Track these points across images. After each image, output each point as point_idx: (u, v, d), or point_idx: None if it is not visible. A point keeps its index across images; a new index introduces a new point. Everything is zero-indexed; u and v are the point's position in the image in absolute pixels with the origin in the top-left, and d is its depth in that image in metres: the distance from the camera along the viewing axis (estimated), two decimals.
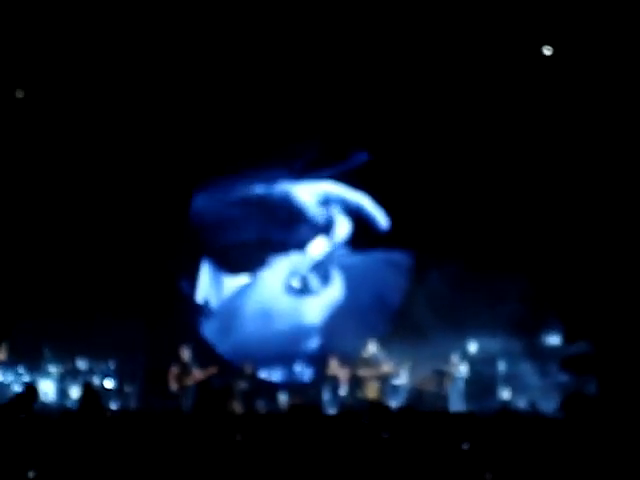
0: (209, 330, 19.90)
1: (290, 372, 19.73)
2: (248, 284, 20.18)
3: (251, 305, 20.03)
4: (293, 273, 20.03)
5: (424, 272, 19.14)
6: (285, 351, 19.84)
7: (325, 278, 20.11)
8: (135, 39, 17.62)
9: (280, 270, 20.14)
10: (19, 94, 17.95)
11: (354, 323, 19.92)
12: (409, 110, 19.00)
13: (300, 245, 20.17)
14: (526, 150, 18.33)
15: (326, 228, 20.11)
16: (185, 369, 17.07)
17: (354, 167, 19.68)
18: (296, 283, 20.04)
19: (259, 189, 20.05)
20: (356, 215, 20.07)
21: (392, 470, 9.12)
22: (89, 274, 18.52)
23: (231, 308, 20.13)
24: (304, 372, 19.96)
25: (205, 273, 20.11)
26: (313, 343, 20.03)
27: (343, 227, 20.26)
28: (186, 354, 17.21)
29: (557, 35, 17.29)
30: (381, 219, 20.03)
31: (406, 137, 19.14)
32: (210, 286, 20.14)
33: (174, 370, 16.98)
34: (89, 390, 15.30)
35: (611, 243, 17.32)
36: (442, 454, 9.53)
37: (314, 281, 20.14)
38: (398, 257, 20.16)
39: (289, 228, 20.05)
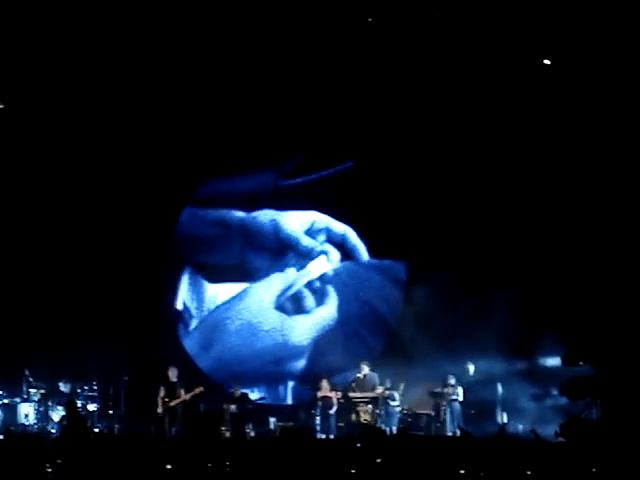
0: (190, 343, 19.44)
1: (273, 393, 19.31)
2: (236, 296, 19.74)
3: (237, 318, 19.54)
4: (287, 288, 19.71)
5: (416, 289, 18.76)
6: (267, 370, 19.32)
7: (321, 296, 19.83)
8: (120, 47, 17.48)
9: (273, 285, 19.80)
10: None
11: (343, 337, 19.62)
12: (402, 121, 18.80)
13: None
14: (523, 160, 18.18)
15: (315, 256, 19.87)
16: (171, 390, 16.63)
17: (339, 173, 19.63)
18: (290, 300, 19.72)
19: (243, 214, 19.83)
20: (340, 245, 19.91)
21: None
22: (71, 295, 18.19)
23: (215, 321, 19.60)
24: (287, 394, 19.58)
25: (185, 281, 19.72)
26: (298, 364, 19.53)
27: (335, 255, 19.99)
28: (173, 374, 16.76)
29: (555, 45, 17.17)
30: (363, 252, 19.90)
31: (399, 147, 18.97)
32: (190, 293, 19.71)
33: (162, 392, 16.54)
34: (72, 407, 15.03)
35: (611, 263, 17.14)
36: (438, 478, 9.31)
37: (309, 299, 19.84)
38: (389, 265, 19.89)
39: (275, 256, 19.77)
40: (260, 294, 19.60)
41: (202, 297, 19.71)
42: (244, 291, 19.65)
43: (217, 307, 19.66)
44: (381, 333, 19.71)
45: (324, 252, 19.83)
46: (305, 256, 19.74)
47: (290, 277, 19.65)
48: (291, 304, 19.66)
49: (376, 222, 19.28)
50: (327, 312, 19.63)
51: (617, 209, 17.18)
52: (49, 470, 9.41)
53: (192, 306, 19.64)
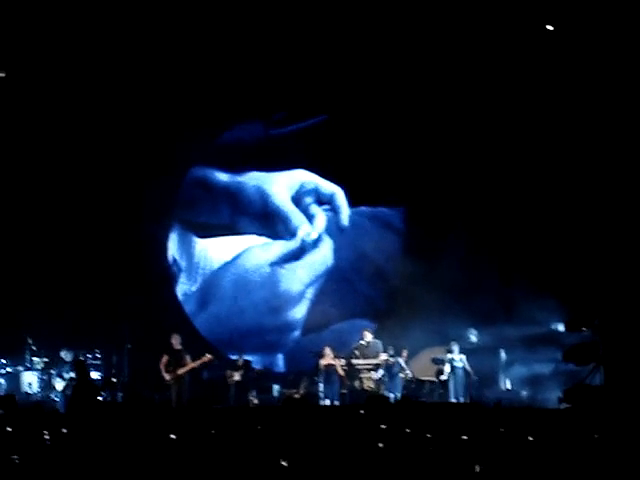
0: (188, 305, 19.52)
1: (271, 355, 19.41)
2: (234, 257, 19.77)
3: (230, 274, 19.62)
4: (285, 253, 19.82)
5: (424, 252, 18.73)
6: (264, 322, 19.39)
7: (314, 243, 19.84)
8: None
9: (272, 249, 19.80)
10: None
11: (339, 286, 19.69)
12: (385, 73, 18.89)
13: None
14: (517, 109, 18.18)
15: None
16: (177, 358, 16.54)
17: (315, 124, 19.66)
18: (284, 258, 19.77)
19: (227, 178, 19.83)
20: (328, 204, 19.98)
21: (390, 462, 8.87)
22: (71, 262, 18.19)
23: (212, 280, 19.70)
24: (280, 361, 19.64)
25: (174, 237, 19.68)
26: (295, 314, 19.59)
27: (321, 221, 20.00)
28: (176, 342, 16.67)
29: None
30: (345, 217, 19.92)
31: (387, 96, 19.03)
32: (179, 248, 19.72)
33: (164, 359, 16.45)
34: (81, 366, 15.05)
35: (614, 227, 17.07)
36: (441, 446, 9.30)
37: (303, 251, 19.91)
38: (384, 214, 19.96)
39: (264, 222, 19.84)
40: (257, 254, 19.69)
41: (192, 252, 19.76)
42: (245, 251, 19.73)
43: (213, 269, 19.70)
44: (379, 287, 19.76)
45: (312, 216, 19.88)
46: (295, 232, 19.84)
47: (290, 245, 19.72)
48: (285, 259, 19.76)
49: (368, 171, 19.25)
50: (320, 257, 19.67)
51: (617, 171, 17.11)
52: (47, 437, 9.39)
53: (182, 261, 19.68)
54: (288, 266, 19.61)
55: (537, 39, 17.52)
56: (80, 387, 14.10)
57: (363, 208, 20.02)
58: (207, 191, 19.78)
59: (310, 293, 19.67)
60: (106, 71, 18.25)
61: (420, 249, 18.91)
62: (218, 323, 19.33)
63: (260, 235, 19.93)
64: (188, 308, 19.45)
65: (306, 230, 19.78)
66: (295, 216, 19.82)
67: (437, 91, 18.80)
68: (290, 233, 19.83)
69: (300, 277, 19.56)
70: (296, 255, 19.74)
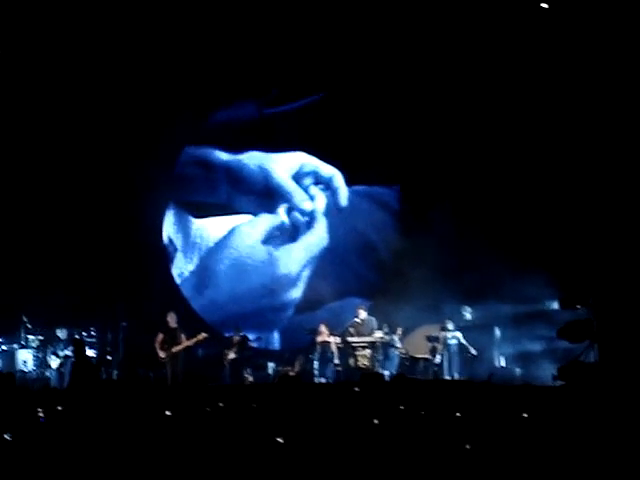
0: (185, 287, 19.54)
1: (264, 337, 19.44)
2: (224, 237, 19.75)
3: (226, 258, 19.60)
4: (275, 225, 19.81)
5: (417, 230, 18.73)
6: (262, 304, 19.40)
7: (309, 223, 19.88)
8: None
9: (260, 222, 19.82)
10: None
11: (334, 265, 19.72)
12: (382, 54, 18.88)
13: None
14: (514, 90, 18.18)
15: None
16: (172, 336, 16.59)
17: (309, 104, 19.71)
18: (277, 232, 19.73)
19: (228, 156, 19.78)
20: (327, 186, 20.03)
21: (385, 441, 8.89)
22: (66, 240, 18.17)
23: (205, 263, 19.68)
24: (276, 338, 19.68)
25: (169, 217, 19.68)
26: (292, 295, 19.66)
27: (321, 201, 20.03)
28: (172, 320, 16.71)
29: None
30: (343, 198, 19.95)
31: (382, 75, 19.04)
32: (175, 228, 19.71)
33: (160, 337, 16.50)
34: (79, 345, 15.07)
35: (609, 208, 17.07)
36: (436, 424, 9.32)
37: (297, 229, 19.85)
38: (379, 192, 19.99)
39: (263, 199, 19.84)
40: (247, 231, 19.70)
41: (188, 232, 19.76)
42: (232, 230, 19.74)
43: (208, 250, 19.70)
44: (374, 265, 19.78)
45: (311, 197, 19.90)
46: (296, 207, 19.90)
47: (278, 216, 19.78)
48: (279, 236, 19.77)
49: (364, 150, 19.25)
50: (315, 237, 19.74)
51: (611, 147, 17.10)
52: (41, 415, 9.41)
53: (177, 240, 19.68)
54: (283, 248, 19.64)
55: (533, 25, 17.47)
56: (79, 365, 14.12)
57: (358, 187, 20.03)
58: (206, 169, 19.75)
59: (306, 274, 19.72)
60: (98, 51, 18.15)
61: (413, 227, 18.96)
62: (214, 306, 19.35)
63: (258, 214, 19.91)
64: (184, 290, 19.47)
65: (308, 207, 19.80)
66: (297, 193, 19.86)
67: (432, 69, 18.77)
68: (291, 211, 19.85)
69: (296, 259, 19.60)
70: (292, 236, 19.76)
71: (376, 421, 9.00)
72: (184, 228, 19.77)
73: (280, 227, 19.80)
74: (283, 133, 19.67)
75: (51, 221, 18.22)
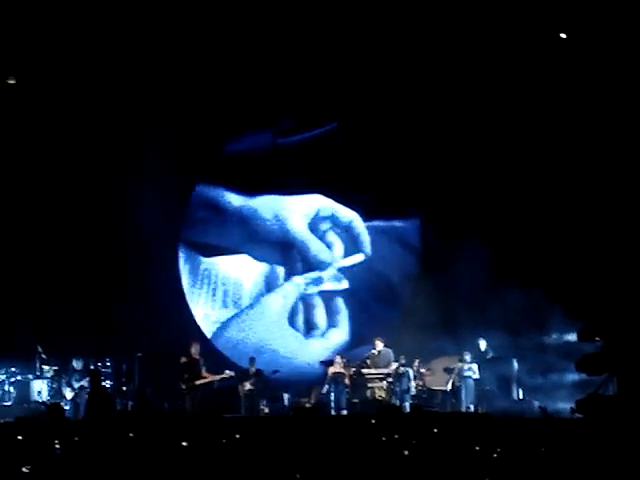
0: (207, 324, 19.61)
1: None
2: (249, 306, 19.79)
3: (251, 334, 19.62)
4: (299, 299, 19.83)
5: (437, 264, 18.69)
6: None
7: (333, 314, 19.87)
8: None
9: (288, 296, 19.79)
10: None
11: (353, 314, 19.82)
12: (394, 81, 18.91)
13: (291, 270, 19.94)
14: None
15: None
16: (195, 367, 16.40)
17: (324, 133, 19.70)
18: (302, 314, 19.84)
19: (241, 201, 19.75)
20: (345, 231, 19.99)
21: (402, 473, 8.85)
22: (82, 274, 18.25)
23: (229, 337, 19.65)
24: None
25: (181, 252, 19.69)
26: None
27: (339, 248, 20.01)
28: (196, 350, 16.53)
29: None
30: (367, 242, 19.90)
31: (398, 105, 19.07)
32: (184, 268, 19.73)
33: (184, 368, 16.31)
34: (95, 376, 15.02)
35: (628, 242, 17.04)
36: (454, 456, 9.26)
37: (320, 315, 19.92)
38: (398, 226, 19.85)
39: (278, 250, 19.83)
40: (275, 307, 19.71)
41: (197, 271, 19.75)
42: (259, 303, 19.79)
43: (234, 316, 19.73)
44: (394, 307, 19.71)
45: (329, 245, 19.82)
46: (314, 266, 19.86)
47: (301, 287, 19.83)
48: (303, 320, 19.86)
49: (381, 182, 19.32)
50: (339, 337, 19.74)
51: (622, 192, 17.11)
52: (57, 447, 9.39)
53: (185, 281, 19.69)
54: (309, 341, 19.79)
55: (546, 51, 17.54)
56: (95, 396, 14.08)
57: (376, 222, 19.96)
58: (217, 213, 19.70)
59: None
60: (108, 78, 18.22)
61: (433, 262, 18.88)
62: (239, 347, 19.45)
63: (273, 263, 19.89)
64: (209, 330, 19.61)
65: (325, 257, 19.79)
66: (313, 243, 19.81)
67: (448, 98, 18.76)
68: (307, 261, 19.85)
69: (320, 352, 19.44)
70: (312, 320, 19.94)
71: (392, 454, 8.95)
72: (193, 268, 19.77)
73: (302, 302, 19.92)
74: (297, 164, 19.63)
75: (68, 252, 18.30)
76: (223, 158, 19.79)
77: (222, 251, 19.75)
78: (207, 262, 19.76)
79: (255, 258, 19.82)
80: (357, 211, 19.98)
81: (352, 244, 19.97)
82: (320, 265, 19.88)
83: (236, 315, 19.77)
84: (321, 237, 19.97)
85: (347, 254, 19.97)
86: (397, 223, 19.93)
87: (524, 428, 11.23)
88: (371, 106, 19.28)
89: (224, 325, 19.73)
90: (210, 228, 19.74)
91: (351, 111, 19.48)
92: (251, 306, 19.79)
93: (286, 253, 19.87)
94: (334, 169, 19.51)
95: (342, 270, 19.90)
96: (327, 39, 18.40)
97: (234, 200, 19.77)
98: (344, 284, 19.90)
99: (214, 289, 19.81)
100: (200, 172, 19.69)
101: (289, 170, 19.68)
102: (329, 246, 19.94)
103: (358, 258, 19.87)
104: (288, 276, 19.92)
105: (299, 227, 19.83)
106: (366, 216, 19.95)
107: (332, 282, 19.89)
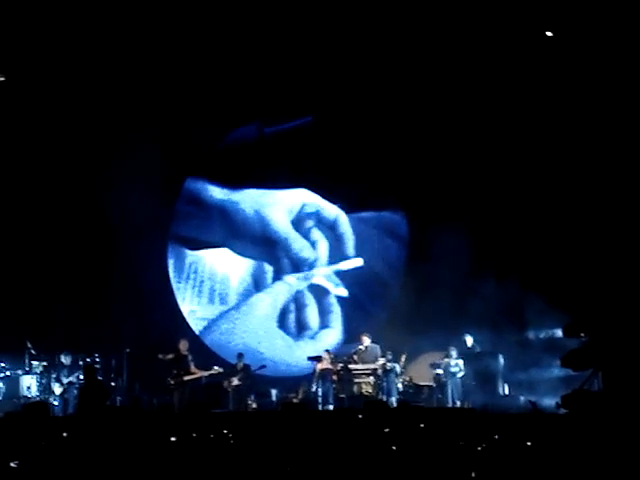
0: (196, 323, 19.64)
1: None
2: (239, 305, 19.79)
3: (241, 334, 19.65)
4: (290, 300, 19.86)
5: (424, 256, 18.66)
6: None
7: (325, 315, 19.92)
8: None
9: (278, 297, 19.83)
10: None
11: (344, 310, 19.86)
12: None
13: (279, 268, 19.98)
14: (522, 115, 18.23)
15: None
16: (183, 363, 16.47)
17: (302, 125, 19.72)
18: (292, 315, 19.87)
19: (222, 196, 19.79)
20: (330, 229, 20.03)
21: (389, 468, 8.90)
22: (70, 269, 18.26)
23: (218, 338, 19.67)
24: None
25: (170, 246, 19.78)
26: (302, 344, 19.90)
27: (323, 247, 20.07)
28: (184, 347, 16.56)
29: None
30: (350, 242, 19.93)
31: (387, 95, 19.08)
32: (173, 256, 19.79)
33: (172, 364, 16.33)
34: (90, 371, 14.99)
35: (613, 237, 17.10)
36: (440, 451, 9.31)
37: (313, 315, 19.95)
38: (383, 218, 19.91)
39: (262, 247, 19.87)
40: (264, 308, 19.69)
41: (183, 266, 19.80)
42: (248, 303, 19.77)
43: (221, 314, 19.72)
44: (383, 302, 19.77)
45: (313, 243, 19.82)
46: (297, 263, 19.90)
47: (293, 287, 19.85)
48: (294, 320, 19.91)
49: (366, 174, 19.33)
50: (332, 337, 19.76)
51: (618, 174, 17.14)
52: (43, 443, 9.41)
53: (172, 275, 19.73)
54: (299, 344, 19.82)
55: (535, 37, 17.55)
56: (90, 391, 14.06)
57: (364, 214, 19.99)
58: (198, 207, 19.73)
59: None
60: (95, 73, 18.27)
61: (420, 254, 18.92)
62: (227, 346, 19.45)
63: (257, 259, 19.90)
64: (196, 327, 19.65)
65: (308, 255, 19.77)
66: (296, 241, 19.79)
67: (433, 89, 18.79)
68: (290, 259, 19.83)
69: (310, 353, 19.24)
70: (304, 322, 20.00)
71: (379, 449, 9.00)
72: (179, 262, 19.79)
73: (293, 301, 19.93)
74: (281, 157, 19.62)
75: (56, 247, 18.34)
76: (207, 150, 19.78)
77: (207, 245, 19.78)
78: (193, 256, 19.81)
79: (238, 254, 19.83)
80: (342, 203, 20.03)
81: (336, 243, 20.01)
82: (303, 263, 19.89)
83: (224, 314, 19.80)
84: (305, 234, 19.98)
85: (331, 253, 19.99)
86: (385, 213, 20.01)
87: (510, 423, 11.29)
88: (352, 99, 19.27)
89: (211, 324, 19.75)
90: (195, 222, 19.79)
91: (333, 104, 19.46)
92: (238, 306, 19.79)
93: (270, 250, 19.88)
94: (318, 162, 19.49)
95: (338, 273, 19.95)
96: (311, 32, 18.39)
97: (216, 193, 19.81)
98: (342, 291, 19.95)
99: (200, 284, 19.82)
100: (186, 165, 19.68)
101: (273, 162, 19.69)
102: (313, 244, 19.95)
103: (357, 262, 19.89)
104: (277, 274, 19.93)
105: (281, 223, 19.81)
106: (351, 208, 20.00)
107: (329, 283, 19.93)
